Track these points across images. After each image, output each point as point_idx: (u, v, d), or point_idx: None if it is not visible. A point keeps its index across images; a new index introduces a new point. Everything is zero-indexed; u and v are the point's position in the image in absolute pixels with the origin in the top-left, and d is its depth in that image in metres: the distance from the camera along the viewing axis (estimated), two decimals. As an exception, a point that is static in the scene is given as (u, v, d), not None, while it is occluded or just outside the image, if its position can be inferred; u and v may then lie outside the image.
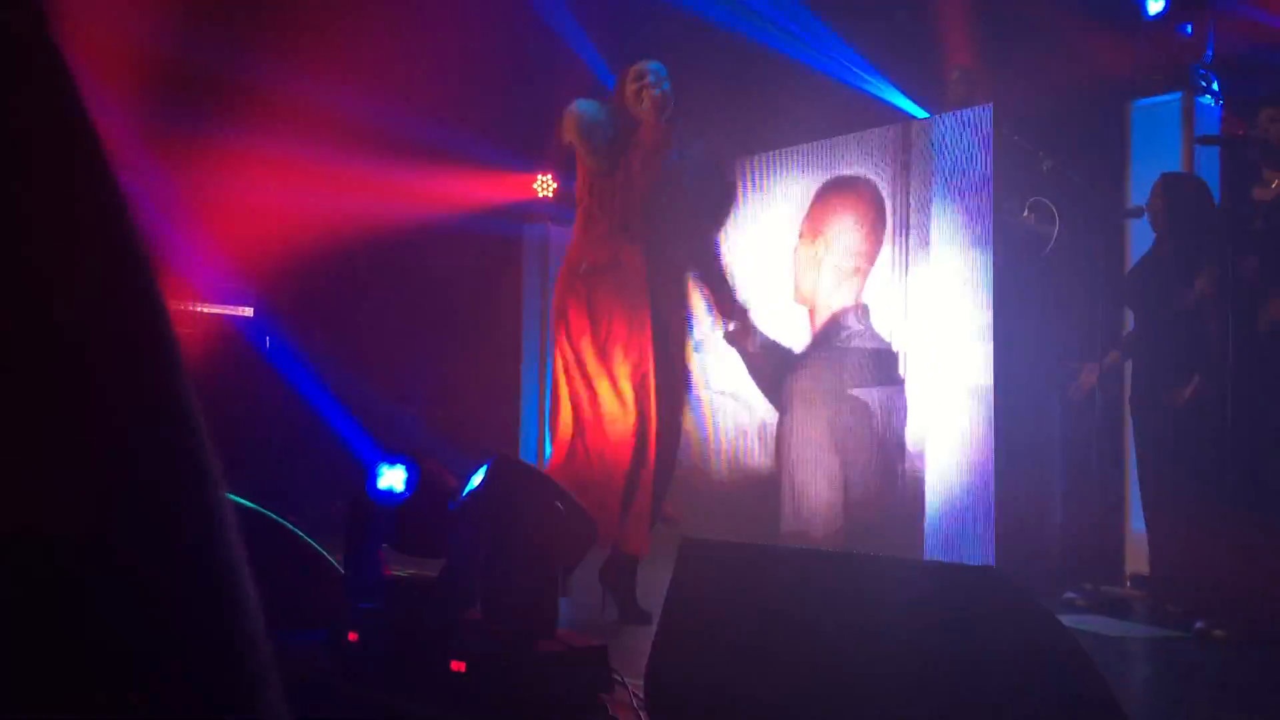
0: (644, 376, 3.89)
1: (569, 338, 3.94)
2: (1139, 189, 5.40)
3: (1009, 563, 5.09)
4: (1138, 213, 4.96)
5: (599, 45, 8.03)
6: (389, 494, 3.26)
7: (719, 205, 4.31)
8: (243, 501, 3.59)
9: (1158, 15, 6.02)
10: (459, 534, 2.88)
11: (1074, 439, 5.39)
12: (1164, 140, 5.48)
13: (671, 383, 4.01)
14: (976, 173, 5.39)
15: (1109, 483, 5.38)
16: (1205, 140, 4.87)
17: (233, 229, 6.75)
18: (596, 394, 3.91)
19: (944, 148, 5.53)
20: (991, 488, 5.23)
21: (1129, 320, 5.07)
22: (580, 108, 3.99)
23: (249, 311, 7.12)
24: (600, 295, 3.89)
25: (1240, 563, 3.97)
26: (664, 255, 3.97)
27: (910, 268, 5.64)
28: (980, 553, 5.19)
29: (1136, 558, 5.19)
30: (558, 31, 7.97)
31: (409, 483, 3.24)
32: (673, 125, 4.01)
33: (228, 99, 6.74)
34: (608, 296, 3.89)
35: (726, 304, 4.34)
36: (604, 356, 3.87)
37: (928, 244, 5.56)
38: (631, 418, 3.88)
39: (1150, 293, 4.63)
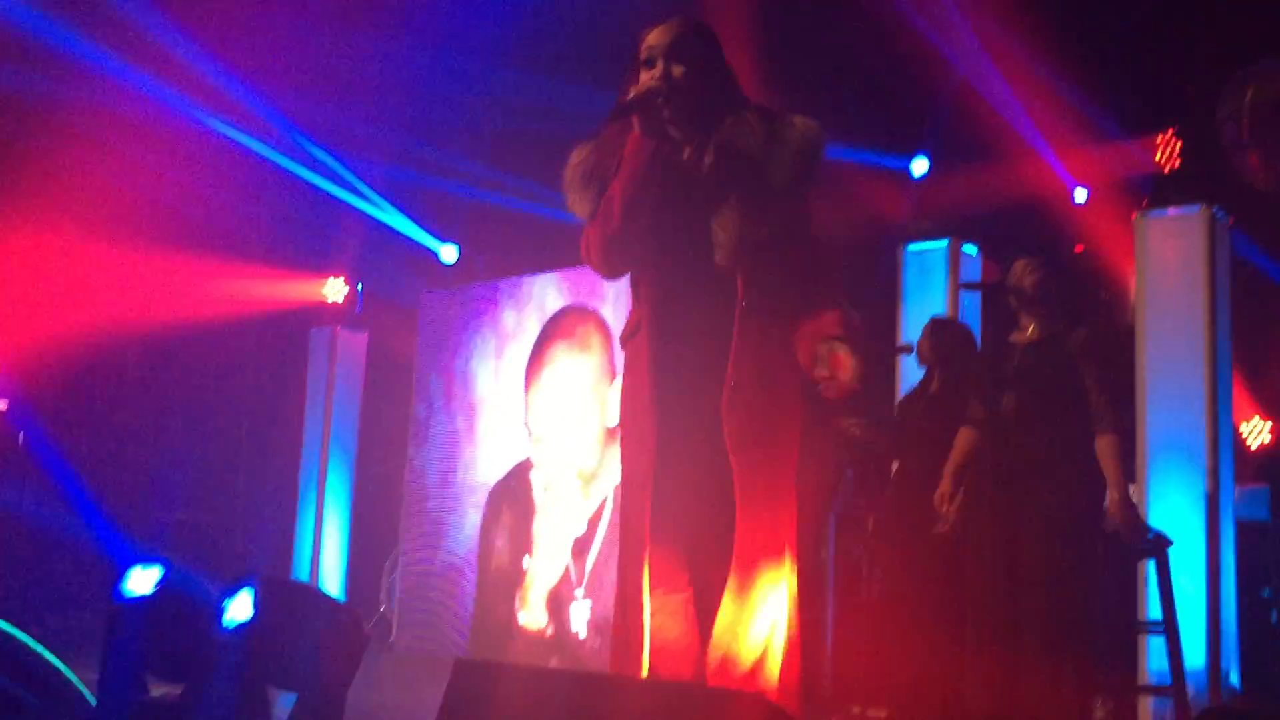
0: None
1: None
2: (910, 326, 5.73)
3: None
4: (907, 349, 5.25)
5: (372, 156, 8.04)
6: (135, 599, 3.05)
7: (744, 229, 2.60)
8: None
9: (922, 176, 6.58)
10: (223, 661, 2.72)
11: (846, 564, 5.56)
12: (931, 283, 5.85)
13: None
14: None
15: (880, 607, 5.55)
16: (967, 286, 5.23)
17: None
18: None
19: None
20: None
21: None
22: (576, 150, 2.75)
23: (2, 404, 6.68)
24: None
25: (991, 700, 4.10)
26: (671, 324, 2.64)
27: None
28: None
29: (900, 682, 5.34)
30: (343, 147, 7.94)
31: (158, 586, 3.04)
32: (666, 139, 2.63)
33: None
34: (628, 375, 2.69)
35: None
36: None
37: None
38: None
39: (913, 427, 4.87)
